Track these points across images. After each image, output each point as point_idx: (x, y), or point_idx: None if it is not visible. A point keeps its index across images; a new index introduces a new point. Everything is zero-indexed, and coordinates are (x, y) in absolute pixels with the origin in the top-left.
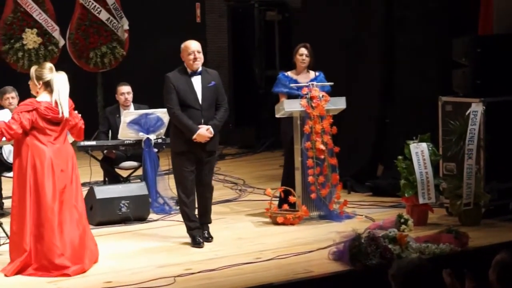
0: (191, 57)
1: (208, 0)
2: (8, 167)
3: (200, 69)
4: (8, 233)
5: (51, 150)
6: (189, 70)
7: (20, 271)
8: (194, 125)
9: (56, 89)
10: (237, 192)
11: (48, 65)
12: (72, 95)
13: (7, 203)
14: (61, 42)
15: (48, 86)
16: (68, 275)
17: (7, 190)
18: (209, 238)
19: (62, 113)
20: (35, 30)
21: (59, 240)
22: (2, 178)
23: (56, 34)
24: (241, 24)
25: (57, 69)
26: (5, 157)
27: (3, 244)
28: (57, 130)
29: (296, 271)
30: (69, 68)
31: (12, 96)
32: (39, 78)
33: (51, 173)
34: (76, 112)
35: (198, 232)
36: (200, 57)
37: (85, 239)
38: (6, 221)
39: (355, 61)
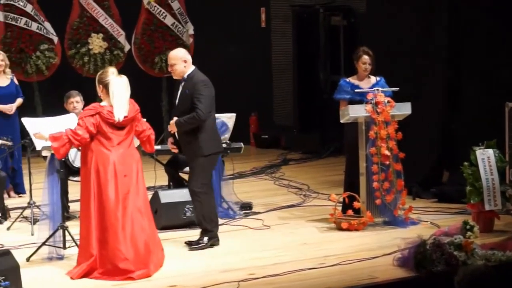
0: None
1: (273, 5)
2: (74, 171)
3: (185, 76)
4: (74, 237)
5: (115, 155)
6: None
7: (86, 274)
8: None
9: (111, 91)
10: (301, 197)
11: (111, 69)
12: (137, 99)
13: (73, 207)
14: (127, 47)
15: (107, 88)
16: (132, 278)
17: (73, 194)
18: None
19: (116, 116)
20: (101, 35)
21: (123, 244)
22: (69, 181)
23: (122, 39)
24: (306, 29)
25: (123, 73)
26: (71, 161)
27: (69, 247)
28: (121, 135)
29: (361, 277)
30: (134, 72)
31: (76, 100)
32: (100, 81)
33: (114, 178)
34: (144, 120)
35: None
36: (174, 69)
37: (151, 244)
38: (71, 225)
39: (420, 66)
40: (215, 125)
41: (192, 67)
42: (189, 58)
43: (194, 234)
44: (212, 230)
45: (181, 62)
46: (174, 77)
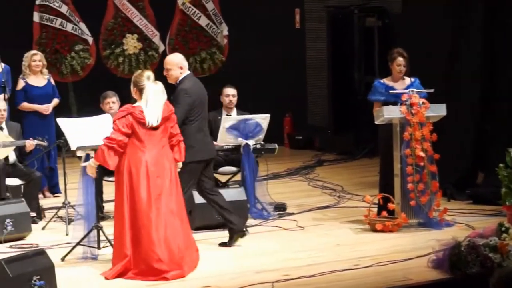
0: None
1: (307, 6)
2: (108, 171)
3: (177, 82)
4: (108, 237)
5: (148, 156)
6: None
7: (120, 275)
8: None
9: (145, 97)
10: (336, 198)
11: (147, 73)
12: (170, 100)
13: (108, 207)
14: (161, 48)
15: (141, 93)
16: (167, 279)
17: (108, 194)
18: None
19: (147, 120)
20: (135, 36)
21: (157, 245)
22: (104, 182)
23: (156, 39)
24: (340, 30)
25: (156, 74)
26: None
27: (103, 247)
28: (154, 135)
29: (395, 278)
30: None
31: (112, 100)
32: (135, 84)
33: (146, 179)
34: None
35: None
36: (170, 74)
37: (184, 245)
38: (106, 225)
39: (454, 68)
40: (200, 133)
41: (186, 73)
42: (185, 64)
43: (228, 235)
44: None
45: (177, 68)
46: (169, 82)
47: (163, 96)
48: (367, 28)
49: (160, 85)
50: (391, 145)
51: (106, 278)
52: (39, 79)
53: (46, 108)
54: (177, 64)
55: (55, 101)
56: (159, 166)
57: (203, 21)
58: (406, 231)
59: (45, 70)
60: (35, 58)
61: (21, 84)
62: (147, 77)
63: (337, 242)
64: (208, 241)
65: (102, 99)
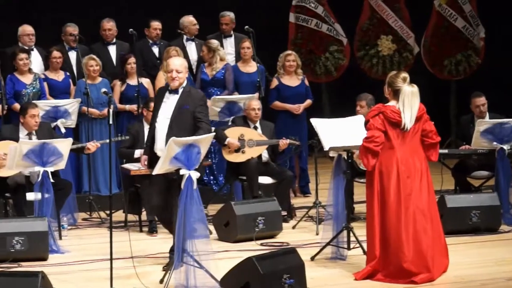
0: (169, 75)
1: None
2: (360, 172)
3: (180, 89)
4: (358, 238)
5: (399, 155)
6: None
7: (369, 276)
8: None
9: (402, 99)
10: None
11: (403, 75)
12: (424, 102)
13: (359, 208)
14: (416, 49)
15: (396, 94)
16: (415, 282)
17: (359, 195)
18: None
19: (404, 123)
20: (390, 37)
21: (405, 246)
22: (354, 183)
23: (411, 41)
24: None
25: (411, 76)
26: (358, 163)
27: (353, 248)
28: (406, 135)
29: None
30: (423, 75)
31: (361, 104)
32: (389, 84)
33: (397, 179)
34: (432, 123)
35: None
36: (179, 77)
37: (434, 247)
38: (356, 226)
39: None
40: None
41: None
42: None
43: (479, 240)
44: None
45: (186, 72)
46: (173, 86)
47: (418, 99)
48: None
49: (415, 87)
50: None
51: (356, 279)
52: (293, 79)
53: (297, 108)
54: (186, 68)
55: (308, 101)
56: (409, 166)
57: (460, 23)
58: None
59: (299, 71)
60: (288, 58)
61: (274, 83)
62: (403, 78)
63: None
64: (458, 246)
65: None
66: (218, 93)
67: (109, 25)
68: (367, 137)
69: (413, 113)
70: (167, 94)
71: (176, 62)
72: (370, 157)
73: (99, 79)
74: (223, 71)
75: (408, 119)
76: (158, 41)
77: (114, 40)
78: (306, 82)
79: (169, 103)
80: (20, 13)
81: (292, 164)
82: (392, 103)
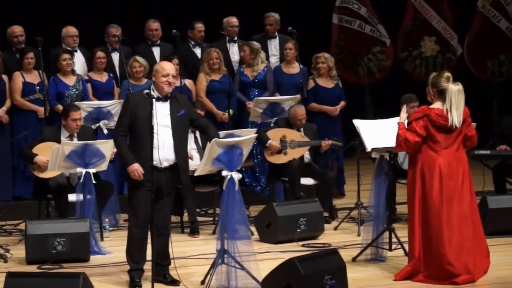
0: (165, 79)
1: None
2: (402, 173)
3: (169, 94)
4: (400, 239)
5: (442, 158)
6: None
7: (409, 277)
8: None
9: (448, 98)
10: None
11: (446, 74)
12: (467, 104)
13: (400, 209)
14: (459, 51)
15: (441, 94)
16: (456, 283)
17: (400, 196)
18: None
19: (452, 122)
20: (433, 38)
21: (447, 248)
22: (396, 184)
23: (454, 42)
24: None
25: (454, 77)
26: (399, 163)
27: (394, 249)
28: (449, 138)
29: None
30: (466, 77)
31: (411, 105)
32: (434, 85)
33: (439, 181)
34: (474, 124)
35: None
36: (173, 82)
37: (475, 249)
38: (397, 227)
39: None
40: None
41: None
42: None
43: None
44: None
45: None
46: (166, 91)
47: (464, 97)
48: None
49: (461, 85)
50: None
51: (395, 280)
52: (328, 81)
53: (334, 110)
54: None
55: (342, 103)
56: (452, 169)
57: (503, 24)
58: None
59: (334, 73)
60: (318, 60)
61: (311, 84)
62: (446, 77)
63: None
64: (500, 246)
65: (407, 102)
66: (259, 94)
67: (155, 26)
68: (406, 138)
69: (460, 111)
70: (153, 101)
71: (170, 67)
72: (401, 148)
73: (144, 80)
74: (264, 72)
75: (456, 118)
76: (201, 42)
77: (159, 42)
78: (340, 84)
79: (161, 111)
80: (64, 15)
81: (328, 164)
82: (436, 104)
